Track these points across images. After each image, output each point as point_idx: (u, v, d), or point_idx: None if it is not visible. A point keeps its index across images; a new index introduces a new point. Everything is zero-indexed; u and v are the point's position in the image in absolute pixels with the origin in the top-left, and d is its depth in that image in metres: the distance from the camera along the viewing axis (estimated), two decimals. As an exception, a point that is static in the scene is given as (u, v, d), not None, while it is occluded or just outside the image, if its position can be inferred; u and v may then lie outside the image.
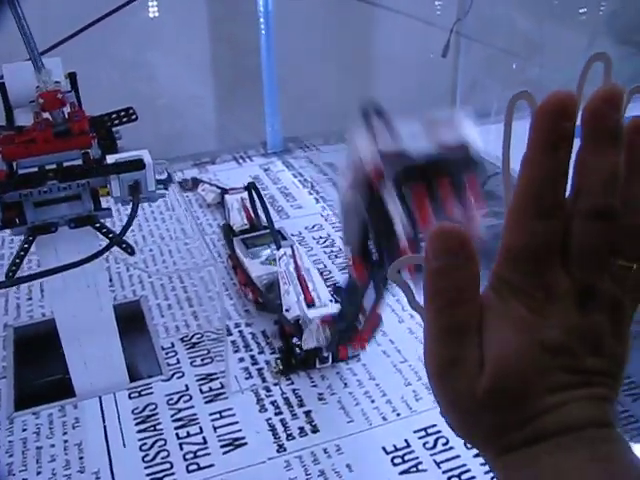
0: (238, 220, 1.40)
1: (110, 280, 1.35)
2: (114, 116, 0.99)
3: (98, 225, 0.95)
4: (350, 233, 0.89)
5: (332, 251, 1.44)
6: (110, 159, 0.91)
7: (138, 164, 0.90)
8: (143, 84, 1.83)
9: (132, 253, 0.98)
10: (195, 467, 0.95)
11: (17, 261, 0.93)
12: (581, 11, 2.10)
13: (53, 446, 1.00)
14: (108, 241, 0.95)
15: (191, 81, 1.95)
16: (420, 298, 0.40)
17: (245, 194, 1.48)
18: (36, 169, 0.92)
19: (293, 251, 1.19)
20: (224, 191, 1.57)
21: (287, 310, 1.12)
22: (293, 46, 1.85)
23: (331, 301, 1.12)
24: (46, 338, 1.17)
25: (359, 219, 0.84)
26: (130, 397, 1.08)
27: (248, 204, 1.44)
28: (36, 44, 0.94)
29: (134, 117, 1.00)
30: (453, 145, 0.74)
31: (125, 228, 0.92)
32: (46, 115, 0.94)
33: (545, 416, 0.28)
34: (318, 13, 1.92)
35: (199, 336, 1.20)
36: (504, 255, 0.30)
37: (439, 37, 1.90)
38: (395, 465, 0.95)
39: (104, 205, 0.97)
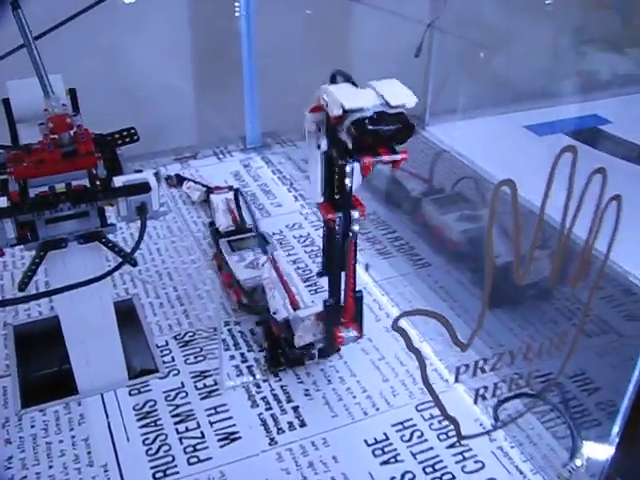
0: (224, 222, 1.48)
1: (103, 278, 1.42)
2: (117, 136, 1.06)
3: (104, 240, 1.03)
4: (320, 180, 1.01)
5: (312, 250, 1.53)
6: (117, 181, 0.98)
7: (145, 187, 0.98)
8: (123, 73, 1.87)
9: (135, 265, 1.06)
10: (195, 460, 1.05)
11: (29, 274, 1.01)
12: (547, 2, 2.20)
13: (62, 442, 1.08)
14: (112, 253, 1.04)
15: (171, 71, 2.00)
16: (415, 343, 0.50)
17: (230, 194, 1.56)
18: (46, 188, 0.99)
19: (274, 257, 1.28)
20: (209, 190, 1.65)
21: (274, 313, 1.21)
22: (273, 40, 1.91)
23: (313, 302, 1.22)
24: (45, 335, 1.25)
25: (321, 163, 0.97)
26: (130, 394, 1.16)
27: (233, 206, 1.52)
28: (45, 70, 1.00)
29: (136, 138, 1.07)
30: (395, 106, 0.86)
31: (135, 247, 1.00)
32: (53, 136, 1.01)
33: None
34: (299, 8, 1.98)
35: (191, 334, 1.29)
36: None
37: (415, 32, 1.98)
38: (376, 456, 1.06)
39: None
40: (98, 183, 0.99)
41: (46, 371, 1.26)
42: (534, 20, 2.09)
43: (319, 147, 0.94)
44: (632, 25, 2.27)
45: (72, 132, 1.01)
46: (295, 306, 1.21)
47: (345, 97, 0.86)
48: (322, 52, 2.00)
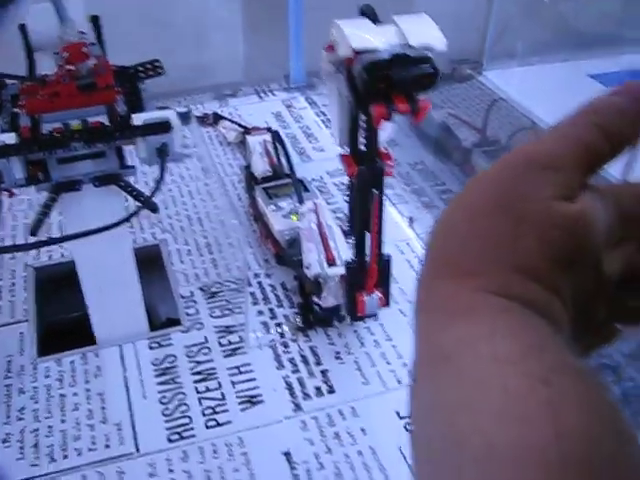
0: (260, 166, 1.38)
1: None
2: (140, 69, 0.97)
3: (123, 183, 0.94)
4: (340, 129, 0.91)
5: (353, 200, 1.43)
6: (136, 119, 0.89)
7: (165, 126, 0.88)
8: (164, 4, 1.78)
9: (155, 211, 0.98)
10: (214, 423, 0.98)
11: (41, 217, 0.93)
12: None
13: (76, 394, 1.02)
14: (131, 197, 0.96)
15: (215, 6, 1.89)
16: None
17: (268, 136, 1.46)
18: (60, 125, 0.90)
19: (316, 207, 1.18)
20: (246, 130, 1.55)
21: (307, 267, 1.12)
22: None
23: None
24: (67, 279, 1.18)
25: (345, 110, 0.87)
26: (150, 347, 1.09)
27: (271, 148, 1.42)
28: (60, -8, 0.91)
29: (161, 71, 0.98)
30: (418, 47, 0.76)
31: (155, 190, 0.92)
32: (70, 66, 0.92)
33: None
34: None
35: (219, 285, 1.21)
36: None
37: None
38: (408, 430, 0.97)
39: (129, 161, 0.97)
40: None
41: (66, 317, 1.20)
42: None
43: (339, 92, 0.84)
44: None
45: (91, 64, 0.92)
46: (331, 262, 1.11)
47: (356, 35, 0.75)
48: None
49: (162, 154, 0.89)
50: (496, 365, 0.24)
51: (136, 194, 0.95)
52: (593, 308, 0.29)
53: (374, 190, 0.88)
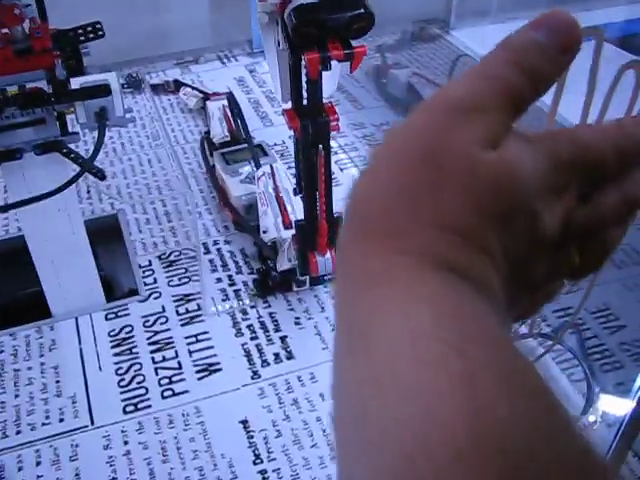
0: (219, 131, 1.35)
1: (88, 192, 1.32)
2: (80, 32, 0.93)
3: (65, 151, 0.91)
4: (281, 83, 0.90)
5: (316, 164, 1.40)
6: (74, 83, 0.86)
7: (104, 90, 0.85)
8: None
9: (102, 178, 0.95)
10: (170, 393, 0.96)
11: (-18, 187, 0.90)
12: None
13: (30, 369, 1.00)
14: (77, 166, 0.93)
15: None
16: None
17: (227, 101, 1.43)
18: (-4, 91, 0.87)
19: (272, 170, 1.15)
20: (206, 96, 1.51)
21: (264, 232, 1.10)
22: None
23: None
24: (23, 253, 1.15)
25: (283, 62, 0.84)
26: (107, 318, 1.07)
27: (229, 112, 1.39)
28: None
29: (101, 33, 0.94)
30: None
31: (94, 155, 0.89)
32: (5, 31, 0.89)
33: None
34: None
35: (177, 254, 1.19)
36: None
37: None
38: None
39: (72, 128, 0.93)
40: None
41: (23, 291, 1.17)
42: None
43: (278, 44, 0.81)
44: None
45: (27, 27, 0.89)
46: (288, 225, 1.09)
47: None
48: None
49: (101, 118, 0.86)
50: (408, 336, 0.22)
51: (80, 161, 0.92)
52: (531, 265, 0.27)
53: (320, 146, 0.86)
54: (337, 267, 0.27)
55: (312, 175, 0.89)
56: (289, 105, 0.90)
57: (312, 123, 0.85)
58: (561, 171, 0.26)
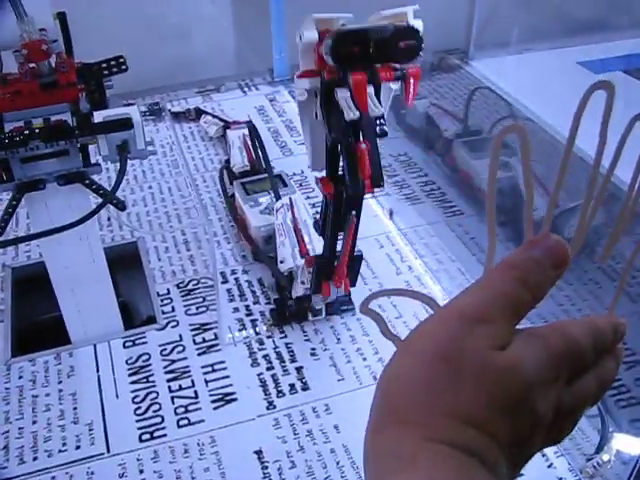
0: (238, 160, 1.37)
1: (108, 219, 1.34)
2: (104, 65, 0.95)
3: (88, 182, 0.93)
4: (315, 153, 0.88)
5: (334, 194, 1.41)
6: (97, 117, 0.88)
7: (126, 123, 0.87)
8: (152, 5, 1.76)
9: (123, 209, 0.96)
10: (186, 422, 0.97)
11: (6, 217, 0.92)
12: None
13: (48, 395, 1.01)
14: (98, 197, 0.94)
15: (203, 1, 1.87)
16: (392, 328, 0.41)
17: (247, 130, 1.44)
18: (21, 123, 0.89)
19: (291, 202, 1.16)
20: (226, 125, 1.53)
21: (281, 262, 1.11)
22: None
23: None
24: (44, 279, 1.17)
25: (321, 132, 0.81)
26: (125, 346, 1.09)
27: (250, 142, 1.41)
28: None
29: (124, 67, 0.96)
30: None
31: (115, 187, 0.91)
32: (31, 65, 0.91)
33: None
34: None
35: (195, 282, 1.20)
36: None
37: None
38: None
39: (94, 158, 0.95)
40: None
41: (43, 317, 1.19)
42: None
43: (316, 117, 0.79)
44: None
45: (52, 61, 0.91)
46: (304, 254, 1.10)
47: (319, 14, 0.72)
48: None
49: (122, 151, 0.88)
50: None
51: (102, 192, 0.94)
52: (530, 441, 0.32)
53: (353, 212, 0.84)
54: (367, 446, 0.33)
55: (339, 230, 0.89)
56: (318, 173, 0.88)
57: (349, 193, 0.80)
58: (554, 362, 0.32)
